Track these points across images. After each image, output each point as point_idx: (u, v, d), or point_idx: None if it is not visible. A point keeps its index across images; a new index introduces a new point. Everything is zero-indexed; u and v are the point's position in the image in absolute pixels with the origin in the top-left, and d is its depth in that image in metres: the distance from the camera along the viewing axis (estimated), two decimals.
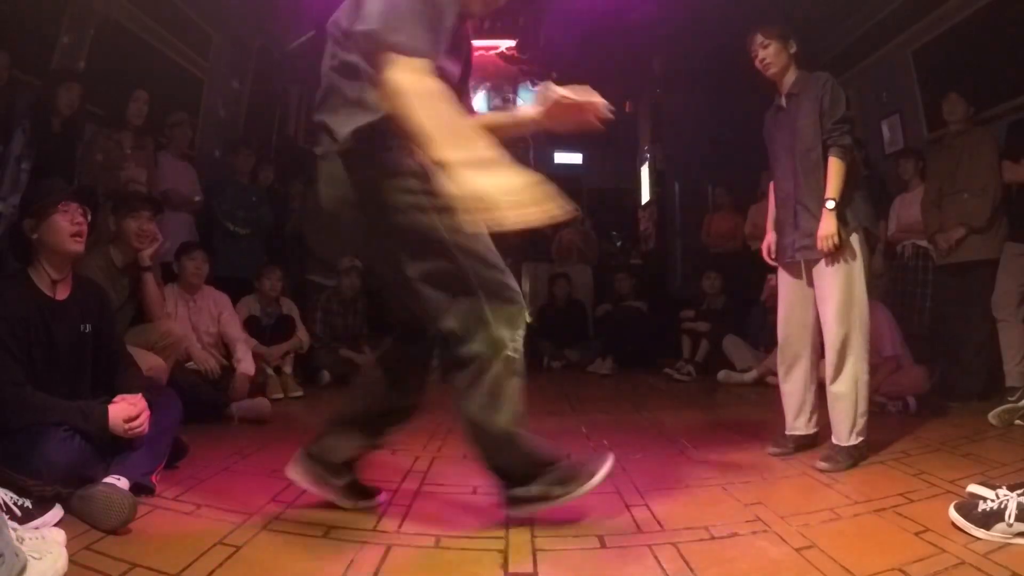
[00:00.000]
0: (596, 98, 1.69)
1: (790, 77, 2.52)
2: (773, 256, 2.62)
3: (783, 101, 2.53)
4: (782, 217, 2.54)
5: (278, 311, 4.30)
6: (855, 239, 2.37)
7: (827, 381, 2.41)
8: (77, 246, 1.99)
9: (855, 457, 2.32)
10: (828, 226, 2.30)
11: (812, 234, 2.37)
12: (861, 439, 2.35)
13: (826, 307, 2.38)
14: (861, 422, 2.35)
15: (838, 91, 2.41)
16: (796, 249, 2.45)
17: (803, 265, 2.47)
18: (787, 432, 2.58)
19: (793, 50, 2.52)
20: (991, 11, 3.98)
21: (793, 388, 2.56)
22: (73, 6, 3.81)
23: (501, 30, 7.50)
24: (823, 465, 2.28)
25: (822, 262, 2.38)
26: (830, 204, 2.31)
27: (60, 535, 1.52)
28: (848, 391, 2.35)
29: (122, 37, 4.21)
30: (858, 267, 2.36)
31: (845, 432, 2.35)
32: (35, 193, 2.05)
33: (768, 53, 2.51)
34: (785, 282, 2.57)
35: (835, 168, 2.33)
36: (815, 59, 5.86)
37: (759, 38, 2.53)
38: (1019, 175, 3.42)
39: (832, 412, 2.40)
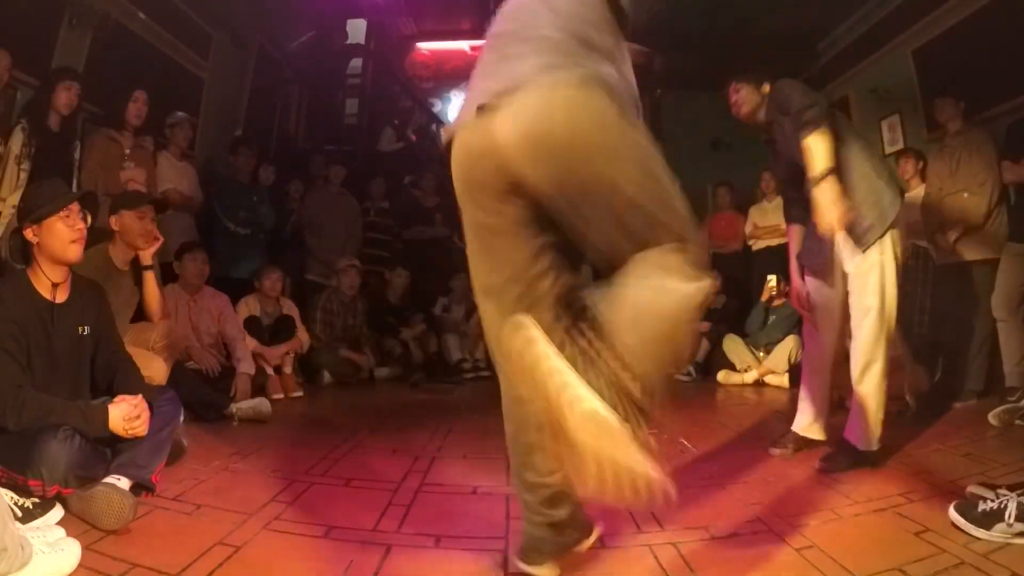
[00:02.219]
0: None
1: (761, 112, 2.56)
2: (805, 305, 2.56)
3: (769, 131, 2.54)
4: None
5: (278, 311, 4.30)
6: (889, 237, 2.27)
7: (854, 382, 2.35)
8: (77, 252, 1.98)
9: (857, 460, 2.30)
10: (825, 200, 2.09)
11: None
12: (879, 445, 2.31)
13: (859, 310, 2.33)
14: (879, 427, 2.31)
15: (781, 92, 2.41)
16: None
17: (834, 268, 2.42)
18: (800, 433, 2.56)
19: (766, 91, 2.53)
20: (991, 11, 3.98)
21: (818, 392, 2.54)
22: (73, 6, 3.81)
23: None
24: (823, 466, 2.28)
25: (856, 263, 2.32)
26: (815, 183, 2.12)
27: (61, 533, 1.53)
28: (876, 391, 2.30)
29: (122, 37, 4.21)
30: (890, 267, 2.28)
31: (868, 436, 2.29)
32: (35, 195, 2.04)
33: (740, 97, 2.58)
34: (818, 289, 2.52)
35: (809, 148, 2.19)
36: (815, 59, 5.89)
37: (732, 84, 2.62)
38: (1019, 175, 3.42)
39: (857, 414, 2.34)
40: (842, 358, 2.52)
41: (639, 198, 1.23)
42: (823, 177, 2.12)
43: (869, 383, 2.31)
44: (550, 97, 1.24)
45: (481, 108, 1.28)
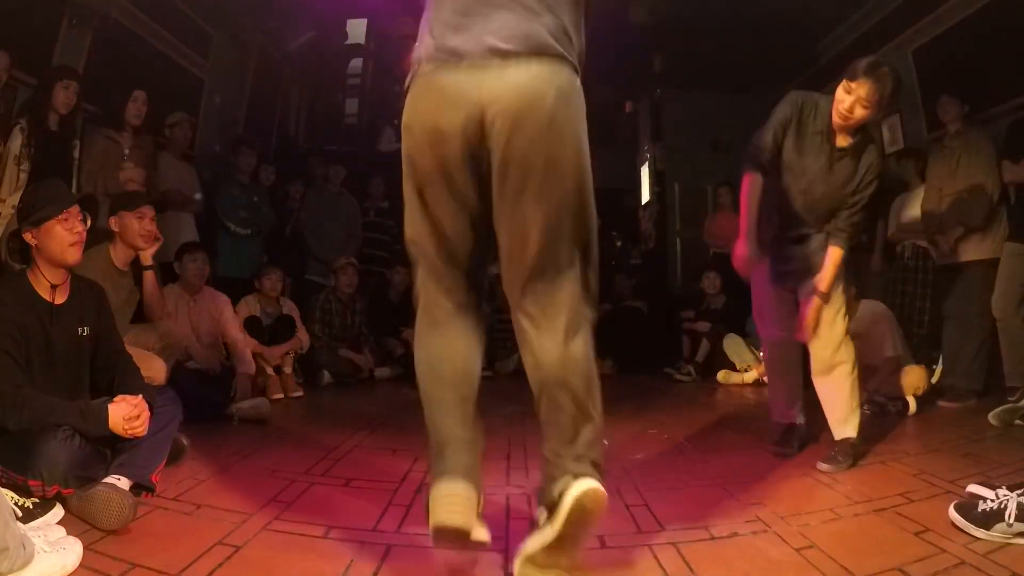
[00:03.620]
0: None
1: (854, 137, 2.32)
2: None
3: (828, 145, 2.34)
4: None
5: (278, 311, 4.31)
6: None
7: (812, 373, 2.43)
8: (75, 255, 1.98)
9: (854, 455, 2.31)
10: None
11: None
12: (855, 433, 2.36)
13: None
14: (855, 417, 2.36)
15: (887, 173, 2.41)
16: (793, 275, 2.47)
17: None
18: (793, 422, 2.59)
19: (881, 115, 2.30)
20: (991, 11, 3.98)
21: (794, 379, 2.59)
22: (73, 6, 3.81)
23: None
24: (825, 467, 2.27)
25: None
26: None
27: (61, 532, 1.53)
28: (841, 379, 2.37)
29: (122, 37, 4.21)
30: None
31: (839, 426, 2.37)
32: (34, 197, 2.03)
33: (863, 114, 2.22)
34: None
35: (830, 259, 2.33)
36: (815, 59, 5.89)
37: (871, 93, 2.17)
38: (1019, 175, 3.42)
39: (824, 405, 2.41)
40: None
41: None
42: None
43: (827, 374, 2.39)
44: (559, 84, 1.29)
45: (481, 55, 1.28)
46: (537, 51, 1.29)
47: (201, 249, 3.71)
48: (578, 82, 1.35)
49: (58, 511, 1.71)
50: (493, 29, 1.29)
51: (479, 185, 1.33)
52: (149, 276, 2.91)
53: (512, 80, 1.26)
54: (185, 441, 2.33)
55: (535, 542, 1.29)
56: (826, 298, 2.31)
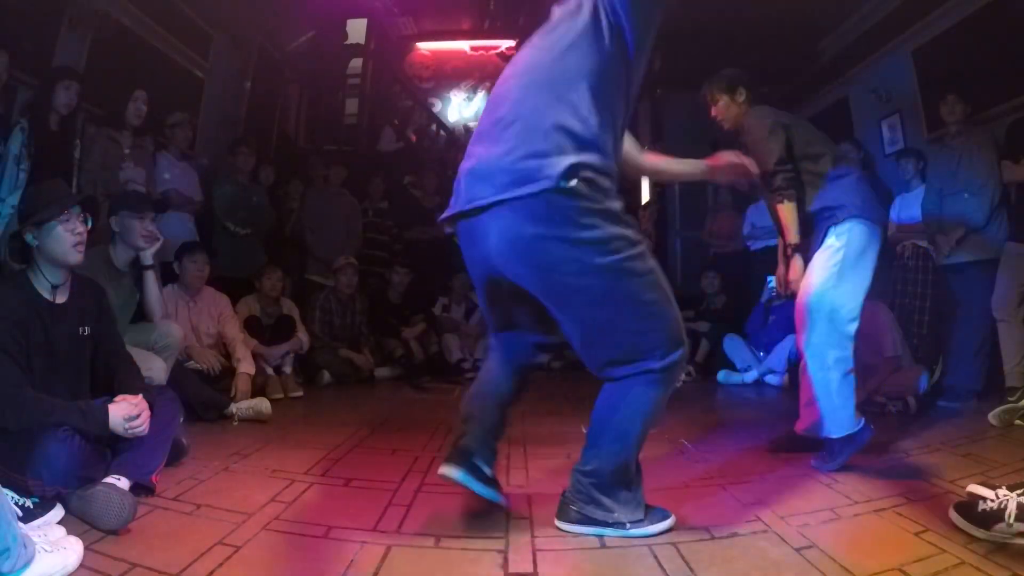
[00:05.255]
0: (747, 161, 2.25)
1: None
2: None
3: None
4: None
5: (278, 311, 4.30)
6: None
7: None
8: (77, 256, 1.98)
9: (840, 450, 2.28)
10: (796, 270, 2.41)
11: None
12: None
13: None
14: (839, 414, 2.30)
15: (752, 133, 2.47)
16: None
17: None
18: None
19: (742, 98, 2.57)
20: (991, 11, 3.98)
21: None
22: (73, 6, 3.81)
23: (501, 30, 7.48)
24: (816, 463, 2.28)
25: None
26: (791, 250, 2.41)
27: (61, 532, 1.53)
28: (813, 381, 2.34)
29: (122, 37, 4.21)
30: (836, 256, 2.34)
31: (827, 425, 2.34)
32: (35, 196, 2.03)
33: (718, 109, 2.61)
34: None
35: (783, 215, 2.40)
36: (815, 59, 5.89)
37: (706, 95, 2.64)
38: (1019, 175, 3.42)
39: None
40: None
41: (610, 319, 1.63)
42: (796, 248, 2.42)
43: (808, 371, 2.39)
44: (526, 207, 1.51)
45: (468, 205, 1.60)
46: (487, 202, 1.53)
47: (201, 250, 3.70)
48: (544, 198, 1.49)
49: (58, 511, 1.71)
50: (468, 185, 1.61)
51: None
52: (150, 276, 2.91)
53: (483, 241, 1.60)
54: (185, 441, 2.33)
55: None
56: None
